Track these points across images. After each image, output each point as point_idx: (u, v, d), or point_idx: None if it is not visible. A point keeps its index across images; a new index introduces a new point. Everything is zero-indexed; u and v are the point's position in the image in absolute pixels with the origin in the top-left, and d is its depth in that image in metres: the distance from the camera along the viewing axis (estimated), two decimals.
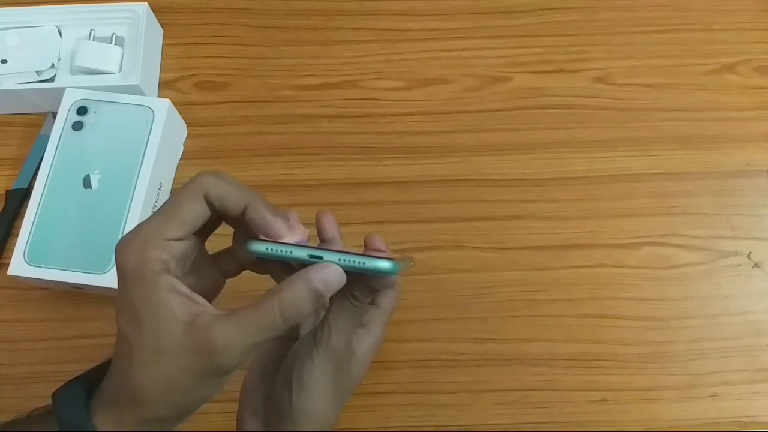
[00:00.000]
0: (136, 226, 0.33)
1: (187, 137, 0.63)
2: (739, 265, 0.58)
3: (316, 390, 0.38)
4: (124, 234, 0.33)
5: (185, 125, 0.62)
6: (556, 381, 0.54)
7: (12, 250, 0.53)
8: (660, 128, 0.62)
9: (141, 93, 0.60)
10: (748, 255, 0.58)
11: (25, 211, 0.55)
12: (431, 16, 0.67)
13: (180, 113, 0.61)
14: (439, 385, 0.54)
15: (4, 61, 0.60)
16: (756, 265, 0.58)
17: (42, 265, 0.53)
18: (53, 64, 0.61)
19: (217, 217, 0.34)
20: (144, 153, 0.56)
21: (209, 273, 0.36)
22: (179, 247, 0.32)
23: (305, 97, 0.64)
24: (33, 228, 0.54)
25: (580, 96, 0.64)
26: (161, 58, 0.65)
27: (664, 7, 0.67)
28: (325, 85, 0.64)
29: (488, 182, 0.60)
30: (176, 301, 0.31)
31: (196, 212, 0.32)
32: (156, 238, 0.31)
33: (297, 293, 0.32)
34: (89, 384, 0.34)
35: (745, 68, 0.65)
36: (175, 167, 0.61)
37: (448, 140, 0.62)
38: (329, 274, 0.32)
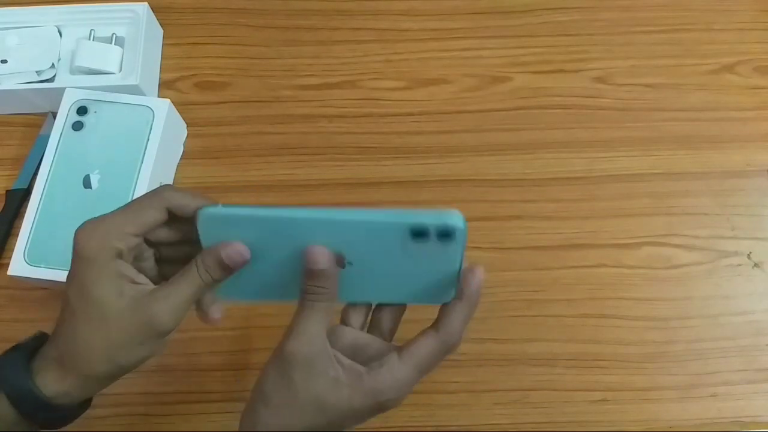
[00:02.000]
0: (99, 216, 0.37)
1: (187, 137, 0.63)
2: (739, 265, 0.58)
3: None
4: (86, 221, 0.37)
5: (185, 125, 0.62)
6: (556, 381, 0.54)
7: (12, 250, 0.53)
8: (660, 128, 0.62)
9: (141, 93, 0.60)
10: (748, 255, 0.58)
11: (25, 211, 0.55)
12: (431, 16, 0.67)
13: (180, 113, 0.61)
14: (438, 384, 0.54)
15: (4, 61, 0.60)
16: (756, 265, 0.58)
17: (42, 265, 0.53)
18: (53, 64, 0.61)
19: (171, 222, 0.38)
20: (144, 153, 0.56)
21: (152, 266, 0.40)
22: (134, 241, 0.37)
23: (305, 97, 0.64)
24: (33, 228, 0.54)
25: (580, 96, 0.64)
26: (161, 58, 0.66)
27: (664, 8, 0.67)
28: (325, 85, 0.64)
29: (488, 182, 0.60)
30: (123, 280, 0.36)
31: (154, 218, 0.37)
32: (117, 230, 0.36)
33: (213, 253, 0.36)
34: (29, 351, 0.38)
35: (745, 68, 0.65)
36: (175, 167, 0.61)
37: (448, 140, 0.62)
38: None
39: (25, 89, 0.60)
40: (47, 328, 0.56)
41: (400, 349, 0.36)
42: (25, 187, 0.60)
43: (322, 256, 0.35)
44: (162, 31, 0.66)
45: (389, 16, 0.67)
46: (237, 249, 0.35)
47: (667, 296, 0.57)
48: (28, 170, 0.61)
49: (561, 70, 0.65)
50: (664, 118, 0.63)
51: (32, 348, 0.38)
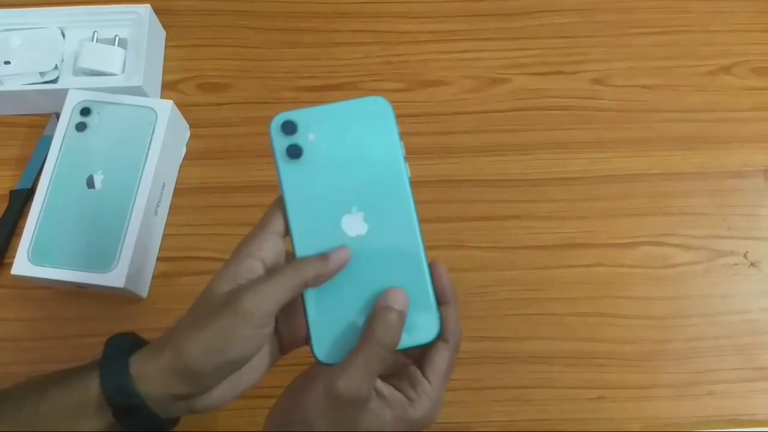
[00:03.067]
0: None
1: (189, 138, 0.63)
2: (736, 264, 0.58)
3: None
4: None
5: (188, 126, 0.63)
6: (554, 379, 0.54)
7: (16, 250, 0.54)
8: (657, 129, 0.63)
9: (144, 94, 0.60)
10: (745, 254, 0.59)
11: (28, 211, 0.55)
12: (431, 18, 0.68)
13: (183, 114, 0.62)
14: None
15: (8, 63, 0.61)
16: (753, 264, 0.58)
17: (45, 265, 0.54)
18: (56, 65, 0.61)
19: None
20: (147, 154, 0.57)
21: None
22: (279, 246, 0.36)
23: (306, 99, 0.64)
24: (36, 228, 0.54)
25: (579, 97, 0.64)
26: (164, 60, 0.66)
27: (662, 9, 0.68)
28: (326, 87, 0.65)
29: (487, 182, 0.61)
30: (241, 275, 0.35)
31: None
32: (268, 233, 0.36)
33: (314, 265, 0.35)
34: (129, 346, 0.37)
35: (741, 69, 0.65)
36: (178, 168, 0.62)
37: (448, 141, 0.62)
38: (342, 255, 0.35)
39: (28, 90, 0.61)
40: (49, 327, 0.57)
41: (421, 366, 0.37)
42: (29, 187, 0.61)
43: (401, 297, 0.35)
44: (164, 32, 0.67)
45: (389, 18, 0.68)
46: (342, 251, 0.35)
47: (664, 295, 0.57)
48: (31, 171, 0.61)
49: (559, 72, 0.65)
50: (662, 119, 0.63)
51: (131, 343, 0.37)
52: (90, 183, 0.56)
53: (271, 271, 0.35)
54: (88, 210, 0.55)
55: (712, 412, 0.54)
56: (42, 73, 0.61)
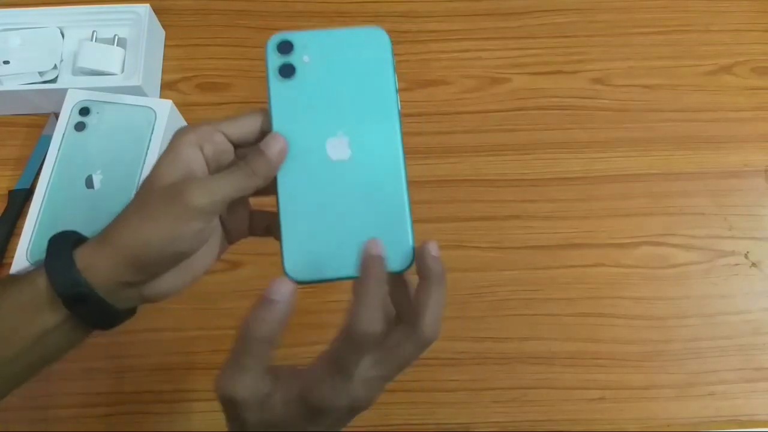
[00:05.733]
0: None
1: None
2: (737, 264, 0.58)
3: None
4: None
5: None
6: (554, 379, 0.54)
7: (14, 250, 0.54)
8: (658, 129, 0.63)
9: (143, 94, 0.60)
10: (746, 254, 0.59)
11: (27, 212, 0.55)
12: (431, 17, 0.67)
13: (182, 114, 0.61)
14: (438, 383, 0.54)
15: (7, 62, 0.61)
16: (753, 264, 0.58)
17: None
18: (56, 65, 0.61)
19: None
20: (146, 153, 0.57)
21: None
22: (220, 138, 0.35)
23: None
24: (35, 228, 0.54)
25: (579, 97, 0.64)
26: (163, 60, 0.66)
27: (662, 9, 0.68)
28: None
29: (487, 182, 0.61)
30: (182, 164, 0.34)
31: (250, 127, 0.36)
32: (210, 127, 0.35)
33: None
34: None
35: (742, 69, 0.65)
36: None
37: (448, 141, 0.62)
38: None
39: (27, 90, 0.61)
40: None
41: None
42: (28, 187, 0.60)
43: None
44: (164, 32, 0.67)
45: (389, 17, 0.67)
46: (275, 140, 0.34)
47: (664, 295, 0.57)
48: (30, 170, 0.61)
49: (559, 72, 0.65)
50: (662, 118, 0.63)
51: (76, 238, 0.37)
52: (89, 183, 0.56)
53: (219, 168, 0.35)
54: (87, 210, 0.55)
55: (712, 412, 0.54)
56: (41, 73, 0.61)
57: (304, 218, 0.35)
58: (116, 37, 0.63)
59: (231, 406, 0.33)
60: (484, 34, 0.67)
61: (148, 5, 0.62)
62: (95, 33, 0.63)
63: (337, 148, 0.35)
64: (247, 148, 0.36)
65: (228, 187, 0.34)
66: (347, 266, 0.34)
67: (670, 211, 0.60)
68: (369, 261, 0.33)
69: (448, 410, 0.54)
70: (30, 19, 0.63)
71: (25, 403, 0.54)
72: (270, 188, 0.35)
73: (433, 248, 0.34)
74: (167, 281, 0.36)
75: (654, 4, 0.68)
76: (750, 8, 0.68)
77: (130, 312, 0.38)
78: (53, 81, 0.61)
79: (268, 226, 0.39)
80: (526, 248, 0.58)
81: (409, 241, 0.35)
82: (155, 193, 0.34)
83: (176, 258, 0.35)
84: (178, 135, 0.35)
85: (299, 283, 0.34)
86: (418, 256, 0.34)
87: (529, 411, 0.53)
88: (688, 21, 0.67)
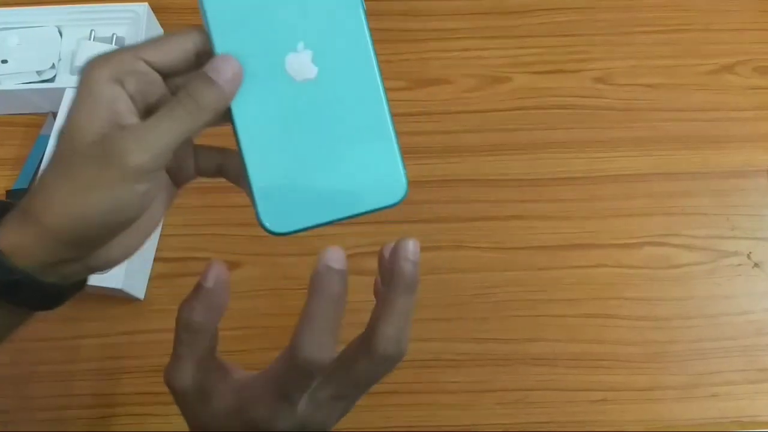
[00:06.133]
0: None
1: None
2: (739, 264, 0.58)
3: None
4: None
5: None
6: (557, 381, 0.54)
7: None
8: (660, 128, 0.63)
9: None
10: (748, 255, 0.58)
11: None
12: (432, 16, 0.67)
13: None
14: (440, 384, 0.54)
15: (5, 62, 0.60)
16: (756, 264, 0.58)
17: None
18: (54, 64, 0.61)
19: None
20: None
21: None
22: (143, 68, 0.29)
23: None
24: None
25: (580, 96, 0.64)
26: None
27: (664, 8, 0.67)
28: None
29: (489, 182, 0.60)
30: (106, 109, 0.28)
31: (182, 47, 0.29)
32: (130, 55, 0.29)
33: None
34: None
35: (744, 68, 0.65)
36: None
37: (449, 140, 0.62)
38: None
39: (25, 89, 0.60)
40: (46, 328, 0.56)
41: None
42: (26, 187, 0.60)
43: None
44: (162, 31, 0.66)
45: (390, 16, 0.67)
46: (226, 61, 0.28)
47: (667, 296, 0.57)
48: (28, 170, 0.61)
49: (561, 71, 0.65)
50: (664, 118, 0.63)
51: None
52: None
53: (148, 108, 0.29)
54: None
55: (715, 413, 0.53)
56: (39, 72, 0.61)
57: (273, 155, 0.29)
58: (114, 36, 0.62)
59: (174, 398, 0.30)
60: (486, 33, 0.66)
61: (146, 4, 0.62)
62: (93, 32, 0.62)
63: (300, 66, 0.29)
64: (180, 78, 0.29)
65: (171, 132, 0.27)
66: (334, 206, 0.29)
67: (673, 211, 0.60)
68: (322, 274, 0.27)
69: (450, 412, 0.53)
70: (28, 18, 0.62)
71: (24, 405, 0.54)
72: (217, 122, 0.29)
73: (411, 248, 0.28)
74: (114, 248, 0.30)
75: (655, 3, 0.68)
76: (752, 7, 0.67)
77: (77, 286, 0.32)
78: (51, 80, 0.61)
79: (220, 165, 0.33)
80: (528, 249, 0.58)
81: (399, 166, 0.30)
82: (79, 152, 0.28)
83: (121, 227, 0.29)
84: (90, 70, 0.29)
85: (281, 235, 0.29)
86: (391, 255, 0.28)
87: (531, 413, 0.53)
88: (689, 20, 0.67)
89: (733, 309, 0.56)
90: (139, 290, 0.56)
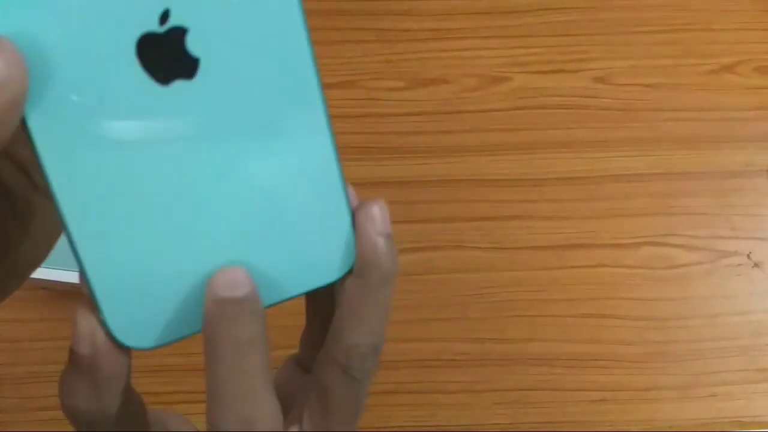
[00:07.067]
0: None
1: None
2: (739, 265, 0.58)
3: None
4: None
5: None
6: (556, 381, 0.54)
7: None
8: (660, 128, 0.62)
9: None
10: (748, 255, 0.58)
11: None
12: (431, 16, 0.67)
13: None
14: (439, 384, 0.54)
15: None
16: (756, 265, 0.58)
17: (43, 266, 0.53)
18: None
19: None
20: None
21: None
22: None
23: None
24: None
25: (580, 96, 0.64)
26: None
27: (664, 7, 0.67)
28: (325, 85, 0.63)
29: (488, 182, 0.60)
30: None
31: None
32: None
33: None
34: None
35: (744, 68, 0.65)
36: None
37: (448, 140, 0.62)
38: None
39: None
40: (47, 327, 0.57)
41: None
42: None
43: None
44: None
45: (389, 16, 0.67)
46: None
47: (666, 296, 0.57)
48: None
49: (561, 70, 0.65)
50: (664, 118, 0.63)
51: None
52: None
53: None
54: None
55: (714, 414, 0.53)
56: None
57: (122, 230, 0.18)
58: None
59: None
60: (485, 32, 0.66)
61: None
62: None
63: (168, 55, 0.17)
64: None
65: None
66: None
67: (672, 211, 0.60)
68: (215, 311, 0.18)
69: (448, 412, 0.53)
70: None
71: (23, 405, 0.54)
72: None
73: (378, 215, 0.19)
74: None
75: (656, 3, 0.67)
76: (753, 7, 0.67)
77: None
78: None
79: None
80: (528, 249, 0.58)
81: (346, 225, 0.20)
82: None
83: None
84: None
85: (147, 350, 0.20)
86: (356, 234, 0.20)
87: (530, 413, 0.53)
88: (690, 20, 0.67)
89: (732, 309, 0.56)
90: None
